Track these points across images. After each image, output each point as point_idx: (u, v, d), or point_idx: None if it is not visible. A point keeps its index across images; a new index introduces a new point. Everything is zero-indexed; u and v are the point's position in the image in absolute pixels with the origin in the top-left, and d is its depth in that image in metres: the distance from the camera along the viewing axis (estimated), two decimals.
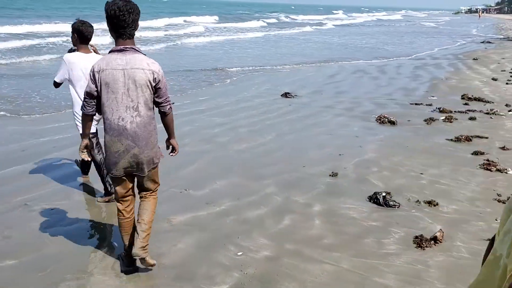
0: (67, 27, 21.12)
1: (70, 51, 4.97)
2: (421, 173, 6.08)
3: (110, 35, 3.38)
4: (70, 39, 4.95)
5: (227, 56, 19.64)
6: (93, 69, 3.31)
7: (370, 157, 6.70)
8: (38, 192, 5.29)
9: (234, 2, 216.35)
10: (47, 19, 33.64)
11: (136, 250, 3.51)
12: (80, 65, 4.76)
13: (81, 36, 4.76)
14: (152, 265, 3.63)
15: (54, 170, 6.00)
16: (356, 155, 6.76)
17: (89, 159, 3.74)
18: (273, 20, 52.03)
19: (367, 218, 4.76)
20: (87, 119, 3.49)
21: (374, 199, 5.17)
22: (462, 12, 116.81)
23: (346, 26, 51.86)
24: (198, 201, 5.12)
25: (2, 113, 8.94)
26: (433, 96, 11.51)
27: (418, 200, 5.17)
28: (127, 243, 3.65)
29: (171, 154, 3.79)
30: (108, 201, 5.05)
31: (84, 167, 5.69)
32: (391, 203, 5.07)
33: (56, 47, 19.41)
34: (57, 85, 4.96)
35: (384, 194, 5.19)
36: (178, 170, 6.06)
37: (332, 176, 5.90)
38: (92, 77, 3.32)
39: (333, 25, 51.84)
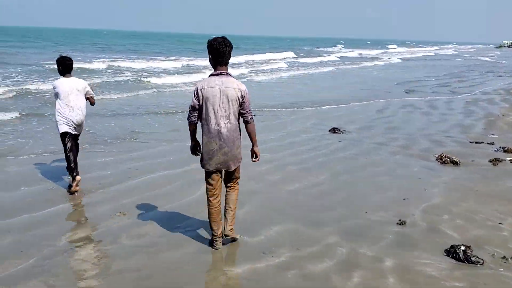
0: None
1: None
2: (500, 223, 5.43)
3: (209, 63, 4.42)
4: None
5: (276, 92, 19.45)
6: (197, 88, 4.39)
7: (438, 202, 6.09)
8: (83, 233, 4.96)
9: (285, 37, 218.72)
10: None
11: (227, 232, 4.67)
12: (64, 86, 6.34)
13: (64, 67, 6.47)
14: (237, 239, 4.79)
15: (97, 209, 5.69)
16: (422, 200, 6.17)
17: (199, 155, 4.61)
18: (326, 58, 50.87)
19: (448, 277, 4.17)
20: (191, 126, 4.55)
21: (452, 253, 4.56)
22: (505, 46, 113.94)
23: (411, 60, 51.17)
24: (254, 249, 4.66)
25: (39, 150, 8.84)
26: (493, 134, 10.77)
27: (504, 257, 4.54)
28: (215, 228, 4.64)
29: (253, 160, 4.82)
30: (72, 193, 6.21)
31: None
32: (473, 259, 4.45)
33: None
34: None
35: (463, 248, 4.58)
36: None
37: (400, 224, 5.33)
38: (196, 94, 4.39)
39: (398, 58, 51.65)
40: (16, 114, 11.61)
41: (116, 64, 28.19)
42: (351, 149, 9.10)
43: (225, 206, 4.71)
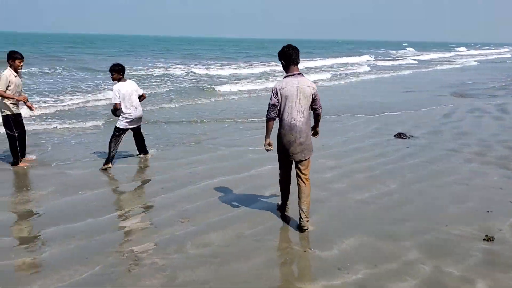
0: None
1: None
2: None
3: (281, 66, 5.15)
4: None
5: (342, 96, 18.99)
6: (276, 88, 5.00)
7: None
8: (148, 240, 4.83)
9: (348, 40, 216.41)
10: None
11: (303, 223, 5.11)
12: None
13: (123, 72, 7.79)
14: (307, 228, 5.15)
15: (161, 214, 5.56)
16: (509, 213, 5.59)
17: (271, 149, 5.25)
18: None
19: None
20: (270, 122, 5.08)
21: None
22: None
23: (491, 62, 49.31)
24: (327, 265, 4.32)
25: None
26: None
27: None
28: (286, 198, 5.61)
29: (314, 136, 5.38)
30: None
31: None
32: None
33: None
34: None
35: None
36: (297, 221, 5.34)
37: (488, 240, 4.82)
38: (275, 93, 4.99)
39: (475, 61, 50.29)
40: (99, 122, 11.79)
41: (196, 71, 27.87)
42: (420, 156, 8.54)
43: (299, 198, 5.20)
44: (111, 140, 7.73)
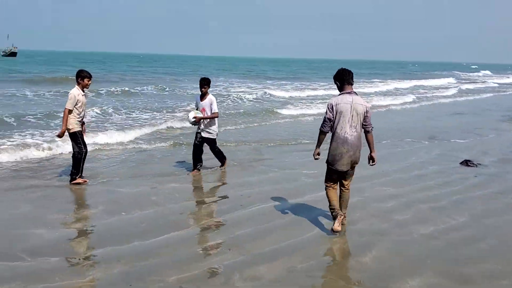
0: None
1: None
2: None
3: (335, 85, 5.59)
4: None
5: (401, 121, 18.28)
6: (332, 104, 5.38)
7: None
8: (194, 269, 4.54)
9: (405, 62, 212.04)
10: None
11: (337, 227, 5.40)
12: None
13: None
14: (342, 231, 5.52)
15: (209, 240, 5.28)
16: None
17: (319, 158, 5.70)
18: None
19: None
20: (322, 135, 5.53)
21: None
22: None
23: None
24: None
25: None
26: None
27: None
28: (335, 204, 5.60)
29: (370, 164, 5.68)
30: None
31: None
32: None
33: None
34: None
35: None
36: (354, 256, 4.89)
37: None
38: (330, 108, 5.37)
39: None
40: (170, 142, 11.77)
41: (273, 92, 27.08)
42: (491, 186, 7.80)
43: (340, 203, 5.68)
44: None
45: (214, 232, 5.57)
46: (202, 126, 8.51)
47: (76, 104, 7.37)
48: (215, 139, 8.69)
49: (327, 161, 5.54)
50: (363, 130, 5.45)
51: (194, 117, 8.36)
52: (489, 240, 5.40)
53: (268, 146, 11.59)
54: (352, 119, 5.30)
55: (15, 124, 13.06)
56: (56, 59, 77.25)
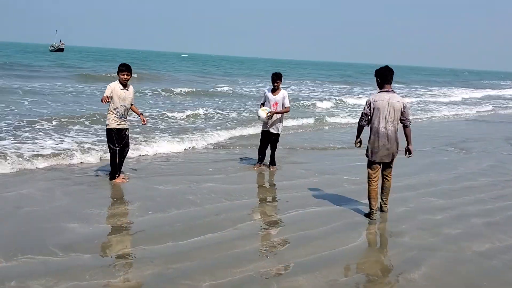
0: None
1: None
2: None
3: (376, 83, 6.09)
4: None
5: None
6: (370, 101, 5.94)
7: None
8: (225, 275, 4.28)
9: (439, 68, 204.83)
10: None
11: (384, 208, 6.24)
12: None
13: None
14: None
15: (246, 245, 5.01)
16: None
17: (359, 146, 6.35)
18: None
19: None
20: (361, 128, 6.14)
21: None
22: None
23: None
24: None
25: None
26: None
27: None
28: (374, 203, 6.06)
29: (407, 156, 6.15)
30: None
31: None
32: None
33: None
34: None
35: None
36: (401, 272, 4.51)
37: None
38: (368, 105, 5.93)
39: None
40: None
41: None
42: None
43: (382, 191, 6.22)
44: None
45: (251, 237, 5.29)
46: (271, 123, 8.51)
47: (111, 97, 7.11)
48: (279, 135, 8.73)
49: (366, 153, 6.06)
50: (401, 124, 5.96)
51: (269, 112, 8.36)
52: None
53: (306, 149, 11.25)
54: (389, 114, 5.81)
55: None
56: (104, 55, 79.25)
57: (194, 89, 24.91)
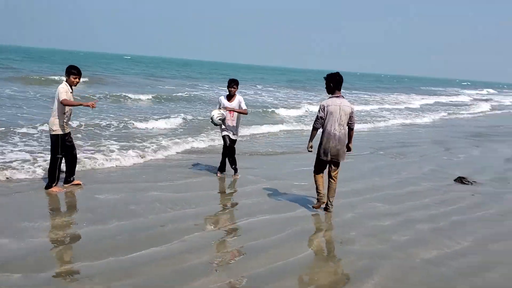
0: None
1: None
2: None
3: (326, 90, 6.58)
4: None
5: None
6: (324, 105, 6.39)
7: None
8: None
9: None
10: None
11: (330, 209, 6.67)
12: None
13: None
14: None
15: (192, 259, 4.74)
16: None
17: (312, 150, 6.72)
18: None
19: None
20: (315, 132, 6.57)
21: None
22: None
23: None
24: None
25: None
26: None
27: None
28: (321, 189, 6.71)
29: (347, 151, 6.62)
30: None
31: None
32: None
33: None
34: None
35: None
36: (355, 282, 4.43)
37: None
38: (322, 109, 6.39)
39: None
40: None
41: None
42: (490, 207, 7.44)
43: (328, 192, 6.67)
44: None
45: (199, 249, 5.02)
46: (231, 128, 8.35)
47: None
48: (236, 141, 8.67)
49: (318, 153, 6.54)
50: (348, 127, 6.52)
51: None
52: (499, 270, 4.96)
53: (252, 155, 11.11)
54: (340, 118, 6.34)
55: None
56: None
57: (155, 94, 23.53)
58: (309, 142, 6.59)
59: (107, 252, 4.79)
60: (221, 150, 8.64)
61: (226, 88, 8.44)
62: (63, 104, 6.65)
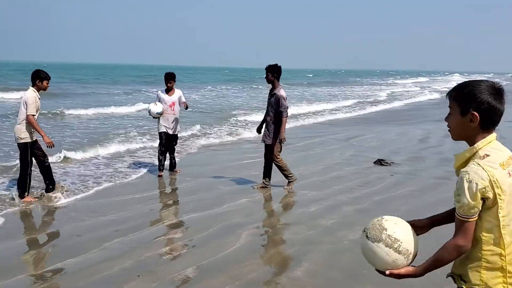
0: None
1: None
2: None
3: None
4: None
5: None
6: (285, 96, 7.23)
7: None
8: None
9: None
10: None
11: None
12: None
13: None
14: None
15: (114, 265, 4.39)
16: None
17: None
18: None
19: None
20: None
21: None
22: None
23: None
24: None
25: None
26: None
27: None
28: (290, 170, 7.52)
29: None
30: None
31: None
32: None
33: None
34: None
35: None
36: (284, 271, 4.32)
37: None
38: (286, 99, 7.26)
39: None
40: None
41: None
42: (409, 185, 7.74)
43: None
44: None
45: (119, 257, 4.67)
46: (170, 123, 8.21)
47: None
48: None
49: (279, 140, 7.04)
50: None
51: (160, 107, 8.08)
52: (426, 242, 5.10)
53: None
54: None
55: None
56: None
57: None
58: (284, 132, 7.07)
59: (16, 269, 4.32)
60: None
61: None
62: (28, 120, 6.27)
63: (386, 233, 2.01)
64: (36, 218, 5.89)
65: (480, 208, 1.84)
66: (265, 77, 7.31)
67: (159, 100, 8.30)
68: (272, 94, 7.28)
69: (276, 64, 7.14)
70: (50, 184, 6.77)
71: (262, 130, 7.47)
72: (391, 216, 2.17)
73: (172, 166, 8.53)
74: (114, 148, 10.52)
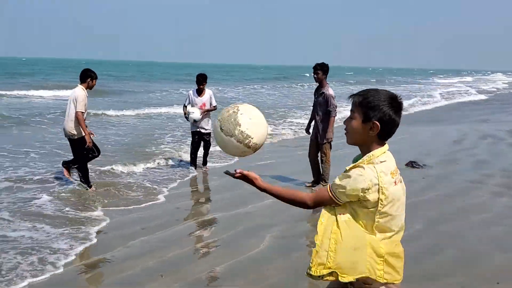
0: None
1: None
2: None
3: None
4: None
5: None
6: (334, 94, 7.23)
7: None
8: None
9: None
10: None
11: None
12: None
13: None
14: None
15: (137, 264, 4.43)
16: None
17: None
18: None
19: None
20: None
21: None
22: None
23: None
24: None
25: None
26: None
27: None
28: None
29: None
30: None
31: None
32: None
33: None
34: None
35: None
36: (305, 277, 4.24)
37: None
38: (335, 97, 7.29)
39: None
40: None
41: None
42: (440, 189, 7.50)
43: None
44: None
45: (143, 255, 4.71)
46: (202, 123, 8.41)
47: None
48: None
49: (331, 139, 7.21)
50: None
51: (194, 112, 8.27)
52: (448, 250, 4.91)
53: None
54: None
55: None
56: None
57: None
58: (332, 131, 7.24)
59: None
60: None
61: None
62: (76, 116, 6.49)
63: (239, 129, 2.18)
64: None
65: (347, 201, 2.03)
66: (314, 76, 7.29)
67: (190, 101, 8.53)
68: (320, 93, 7.26)
69: (324, 63, 7.20)
70: (82, 178, 6.94)
71: (311, 130, 7.55)
72: (248, 105, 2.32)
73: (204, 162, 8.80)
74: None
